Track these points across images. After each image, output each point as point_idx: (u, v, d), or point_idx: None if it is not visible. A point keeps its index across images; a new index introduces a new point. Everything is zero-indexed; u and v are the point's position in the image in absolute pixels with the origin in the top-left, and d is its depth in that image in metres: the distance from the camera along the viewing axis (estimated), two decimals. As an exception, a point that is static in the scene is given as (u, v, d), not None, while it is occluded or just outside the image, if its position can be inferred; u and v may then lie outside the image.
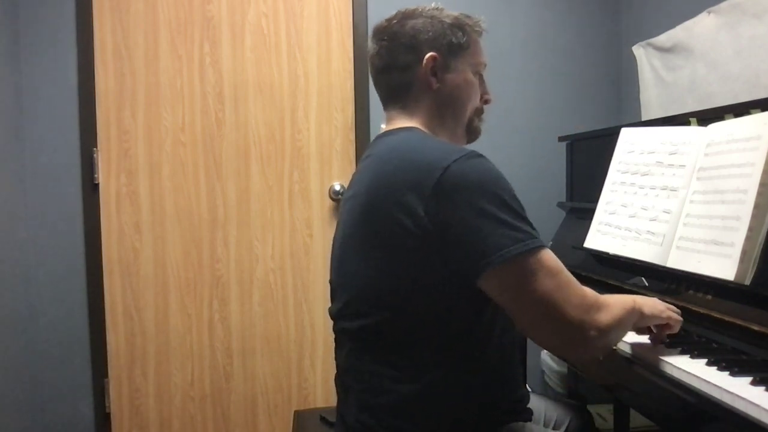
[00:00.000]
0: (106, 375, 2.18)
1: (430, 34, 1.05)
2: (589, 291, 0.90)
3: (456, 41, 1.06)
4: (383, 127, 1.12)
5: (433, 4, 1.10)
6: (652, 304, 1.02)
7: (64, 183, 2.12)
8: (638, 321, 0.99)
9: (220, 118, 2.23)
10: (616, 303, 0.93)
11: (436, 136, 1.06)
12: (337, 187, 2.28)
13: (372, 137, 2.29)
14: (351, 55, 2.29)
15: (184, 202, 2.22)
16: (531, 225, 0.89)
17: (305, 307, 2.31)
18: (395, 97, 1.08)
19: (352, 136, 2.31)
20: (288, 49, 2.26)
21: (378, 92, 1.12)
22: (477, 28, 1.10)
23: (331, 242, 1.13)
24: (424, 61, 1.04)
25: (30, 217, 2.10)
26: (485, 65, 1.12)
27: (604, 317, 0.89)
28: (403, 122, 1.07)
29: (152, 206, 2.20)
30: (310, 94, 2.28)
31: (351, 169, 2.31)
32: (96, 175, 2.15)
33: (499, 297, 0.89)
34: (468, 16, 1.09)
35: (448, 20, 1.07)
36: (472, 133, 1.14)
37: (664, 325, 1.04)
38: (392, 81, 1.07)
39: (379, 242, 0.93)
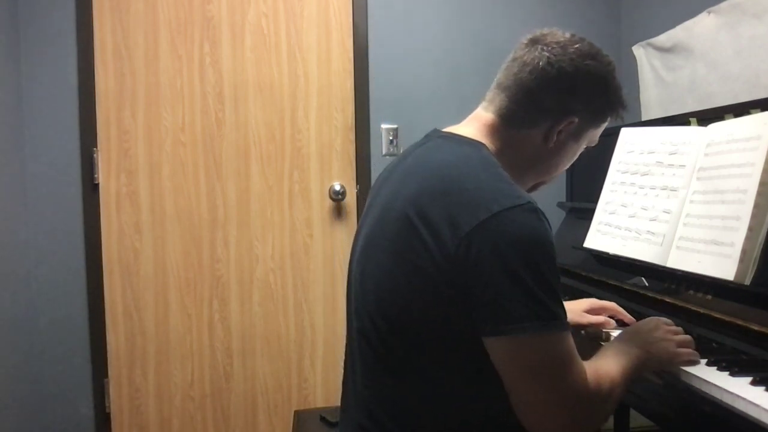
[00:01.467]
0: (106, 375, 2.18)
1: (589, 98, 0.96)
2: (592, 380, 0.83)
3: (599, 117, 1.00)
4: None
5: (610, 58, 0.98)
6: (661, 357, 0.96)
7: (64, 183, 2.12)
8: (646, 370, 0.96)
9: (220, 118, 2.23)
10: (617, 380, 0.87)
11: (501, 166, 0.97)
12: (337, 187, 2.28)
13: (372, 137, 2.30)
14: (351, 55, 2.29)
15: (184, 202, 2.22)
16: (560, 302, 0.83)
17: (305, 307, 2.31)
18: (507, 116, 0.97)
19: (352, 136, 2.31)
20: (288, 49, 2.26)
21: (497, 90, 0.99)
22: (620, 111, 1.01)
23: (356, 227, 1.09)
24: (563, 122, 0.96)
25: (30, 217, 2.10)
26: (594, 145, 1.06)
27: (603, 410, 0.85)
28: (480, 132, 0.97)
29: (152, 206, 2.20)
30: (310, 94, 2.28)
31: (351, 169, 2.31)
32: (96, 175, 2.15)
33: (500, 365, 0.83)
34: (623, 99, 1.00)
35: (610, 94, 0.98)
36: (534, 189, 1.08)
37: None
38: (521, 104, 0.96)
39: (402, 255, 0.88)
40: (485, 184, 0.86)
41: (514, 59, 0.98)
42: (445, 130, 1.02)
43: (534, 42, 0.97)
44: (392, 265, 0.90)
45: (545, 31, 0.99)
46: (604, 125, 1.04)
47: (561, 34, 0.97)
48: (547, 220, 0.85)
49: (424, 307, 0.88)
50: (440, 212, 0.84)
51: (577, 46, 0.96)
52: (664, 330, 1.00)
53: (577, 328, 1.24)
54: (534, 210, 0.83)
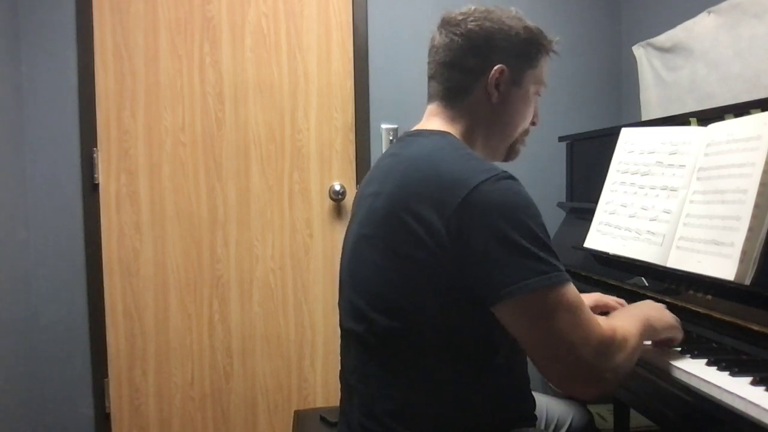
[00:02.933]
0: (106, 375, 2.18)
1: (505, 43, 1.00)
2: (606, 327, 0.87)
3: (527, 57, 1.03)
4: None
5: (513, 10, 1.04)
6: (662, 317, 1.01)
7: (64, 183, 2.12)
8: (650, 336, 0.99)
9: (220, 118, 2.23)
10: (632, 331, 0.90)
11: (473, 148, 1.02)
12: (337, 187, 2.28)
13: (372, 137, 2.30)
14: (351, 55, 2.29)
15: (184, 202, 2.22)
16: (555, 255, 0.86)
17: (305, 307, 2.31)
18: (448, 97, 1.04)
19: (352, 136, 2.31)
20: (288, 49, 2.26)
21: (430, 82, 1.07)
22: (552, 48, 1.06)
23: (344, 234, 1.10)
24: (492, 72, 1.00)
25: (30, 217, 2.10)
26: (545, 86, 1.08)
27: (621, 356, 0.86)
28: (441, 123, 1.03)
29: (152, 206, 2.20)
30: (310, 94, 2.28)
31: (351, 169, 2.31)
32: (96, 175, 2.15)
33: (514, 328, 0.86)
34: (544, 33, 1.05)
35: (524, 33, 1.02)
36: (511, 154, 1.11)
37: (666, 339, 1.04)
38: (452, 80, 1.03)
39: (394, 251, 0.91)
40: (459, 165, 0.90)
41: (430, 49, 1.06)
42: (412, 129, 1.06)
43: (440, 27, 1.04)
44: (387, 262, 0.92)
45: (445, 14, 1.05)
46: (540, 63, 1.06)
47: (459, 11, 1.04)
48: (522, 185, 0.89)
49: (423, 300, 0.89)
50: (424, 201, 0.88)
51: (473, 9, 1.03)
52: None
53: None
54: (509, 177, 0.88)
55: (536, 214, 0.87)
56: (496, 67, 1.00)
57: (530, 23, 1.04)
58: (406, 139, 1.05)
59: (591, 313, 0.86)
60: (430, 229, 0.86)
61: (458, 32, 1.01)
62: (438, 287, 0.88)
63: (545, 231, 0.87)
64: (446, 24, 1.03)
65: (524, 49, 1.03)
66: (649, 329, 0.96)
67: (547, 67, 1.08)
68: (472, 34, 1.00)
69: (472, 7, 1.03)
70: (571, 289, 0.85)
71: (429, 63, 1.07)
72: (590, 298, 1.28)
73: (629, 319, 0.94)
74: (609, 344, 0.85)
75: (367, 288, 0.96)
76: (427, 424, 0.93)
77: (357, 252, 1.00)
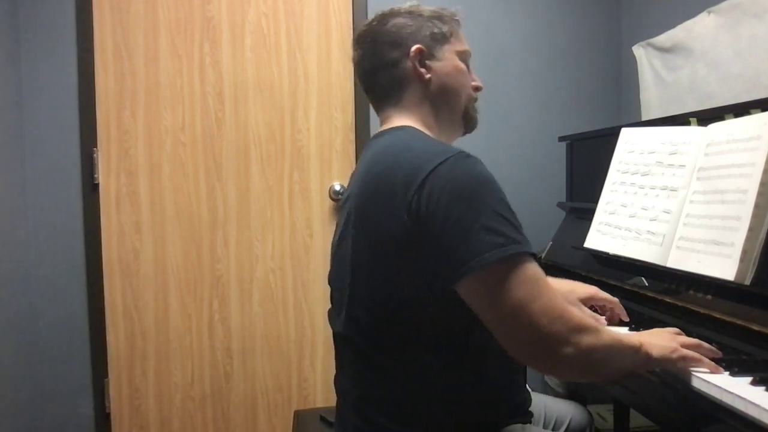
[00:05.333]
0: (106, 375, 2.18)
1: (412, 27, 1.06)
2: (576, 312, 0.84)
3: (438, 31, 1.07)
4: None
5: (408, 2, 1.11)
6: (664, 346, 0.93)
7: (64, 183, 2.12)
8: (645, 365, 0.92)
9: (220, 118, 2.23)
10: (611, 334, 0.87)
11: (433, 132, 1.06)
12: (337, 187, 2.28)
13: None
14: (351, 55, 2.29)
15: (184, 202, 2.22)
16: (518, 229, 0.85)
17: (305, 307, 2.31)
18: (387, 97, 1.08)
19: (352, 136, 2.31)
20: (288, 49, 2.26)
21: (369, 97, 1.13)
22: (456, 18, 1.11)
23: (331, 242, 1.13)
24: (411, 54, 1.04)
25: (30, 217, 2.10)
26: (470, 54, 1.13)
27: (587, 339, 0.82)
28: (398, 121, 1.07)
29: (152, 206, 2.20)
30: (310, 94, 2.28)
31: (351, 169, 2.31)
32: (96, 175, 2.15)
33: (475, 305, 0.84)
34: (444, 8, 1.10)
35: (426, 13, 1.08)
36: (469, 122, 1.13)
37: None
38: (382, 80, 1.08)
39: (368, 248, 0.92)
40: (418, 149, 0.92)
41: (354, 70, 1.14)
42: (380, 129, 1.10)
43: (353, 48, 1.13)
44: (364, 259, 0.94)
45: (354, 35, 1.13)
46: (451, 36, 1.09)
47: (362, 24, 1.13)
48: (482, 163, 0.89)
49: (400, 291, 0.90)
50: (387, 191, 0.89)
51: (372, 17, 1.11)
52: (671, 332, 1.00)
53: None
54: (467, 156, 0.89)
55: (495, 189, 0.86)
56: (413, 48, 1.04)
57: (427, 6, 1.09)
58: (371, 141, 1.09)
59: (554, 290, 0.83)
60: (396, 218, 0.87)
61: (366, 41, 1.08)
62: (412, 275, 0.88)
63: (506, 205, 0.86)
64: (357, 39, 1.11)
65: (432, 25, 1.07)
66: (638, 354, 0.89)
67: (461, 35, 1.12)
68: (379, 34, 1.07)
69: (372, 16, 1.11)
70: (530, 262, 0.83)
71: (360, 81, 1.13)
72: (589, 290, 1.25)
73: (616, 331, 0.93)
74: (573, 322, 0.82)
75: (350, 290, 0.97)
76: (419, 418, 0.93)
77: (339, 256, 1.03)
